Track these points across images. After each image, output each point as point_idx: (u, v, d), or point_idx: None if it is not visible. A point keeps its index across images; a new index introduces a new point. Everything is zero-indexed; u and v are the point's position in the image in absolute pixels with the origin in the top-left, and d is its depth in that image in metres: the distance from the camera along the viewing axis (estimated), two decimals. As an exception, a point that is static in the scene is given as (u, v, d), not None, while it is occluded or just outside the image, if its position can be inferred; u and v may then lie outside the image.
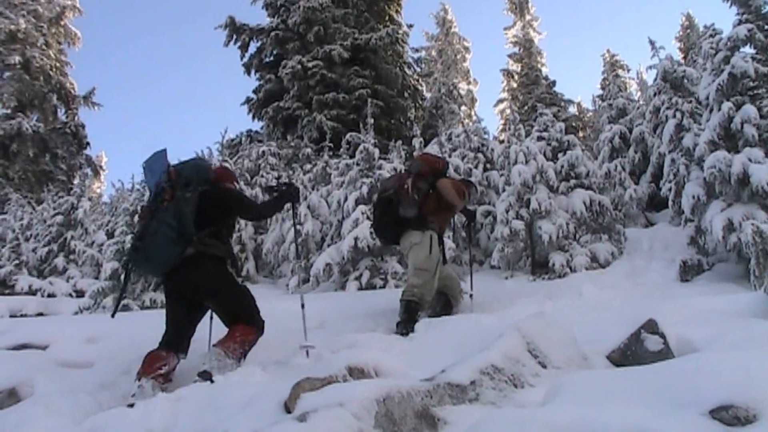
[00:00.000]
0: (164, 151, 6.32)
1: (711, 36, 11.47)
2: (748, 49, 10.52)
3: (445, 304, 8.57)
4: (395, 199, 8.50)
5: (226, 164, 16.92)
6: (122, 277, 7.55)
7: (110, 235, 17.61)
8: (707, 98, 10.54)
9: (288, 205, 6.81)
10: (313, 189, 17.62)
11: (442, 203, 8.57)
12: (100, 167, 42.51)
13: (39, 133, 36.30)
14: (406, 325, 7.49)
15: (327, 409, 2.97)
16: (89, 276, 17.12)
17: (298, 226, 7.19)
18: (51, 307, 14.63)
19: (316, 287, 13.96)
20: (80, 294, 15.77)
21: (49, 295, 15.84)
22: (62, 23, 39.70)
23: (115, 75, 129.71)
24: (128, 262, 6.21)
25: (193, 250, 5.74)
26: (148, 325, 8.27)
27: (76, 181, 26.67)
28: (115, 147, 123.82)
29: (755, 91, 10.06)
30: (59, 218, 18.91)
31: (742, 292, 7.22)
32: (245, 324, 5.77)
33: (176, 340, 5.85)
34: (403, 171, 9.23)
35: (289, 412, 3.23)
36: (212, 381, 5.02)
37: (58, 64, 39.10)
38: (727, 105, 9.86)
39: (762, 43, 10.39)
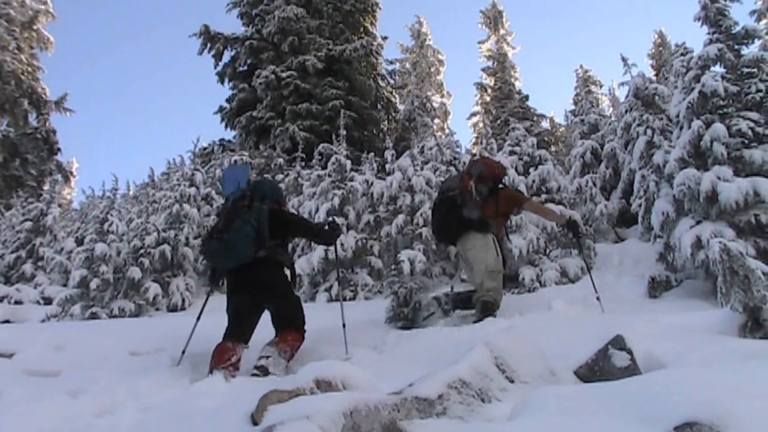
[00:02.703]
0: (248, 167, 7.40)
1: (682, 54, 11.56)
2: (719, 69, 10.63)
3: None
4: (459, 200, 8.79)
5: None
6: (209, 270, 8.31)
7: (80, 242, 17.42)
8: (678, 116, 10.64)
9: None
10: (284, 199, 17.58)
11: (500, 209, 9.02)
12: (71, 173, 42.11)
13: (9, 137, 36.05)
14: None
15: (294, 421, 2.95)
16: (57, 283, 16.93)
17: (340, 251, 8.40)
18: (18, 315, 14.47)
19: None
20: (48, 301, 15.58)
21: (17, 302, 15.64)
22: (35, 27, 39.41)
23: (88, 81, 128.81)
24: (206, 252, 7.15)
25: (264, 253, 6.59)
26: (116, 333, 8.26)
27: (46, 187, 26.33)
28: (87, 153, 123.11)
29: (725, 110, 10.15)
30: (28, 224, 18.69)
31: (709, 309, 7.27)
32: (296, 331, 6.54)
33: (240, 331, 6.54)
34: (463, 172, 9.38)
35: (255, 424, 3.22)
36: (268, 373, 5.78)
37: (30, 69, 38.79)
38: (697, 123, 9.95)
39: (732, 63, 10.50)
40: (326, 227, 7.74)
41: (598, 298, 8.49)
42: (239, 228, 6.47)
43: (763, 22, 19.04)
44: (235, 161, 20.69)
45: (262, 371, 5.81)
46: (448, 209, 8.91)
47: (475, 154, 17.45)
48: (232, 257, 6.52)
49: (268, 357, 5.98)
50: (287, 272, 7.07)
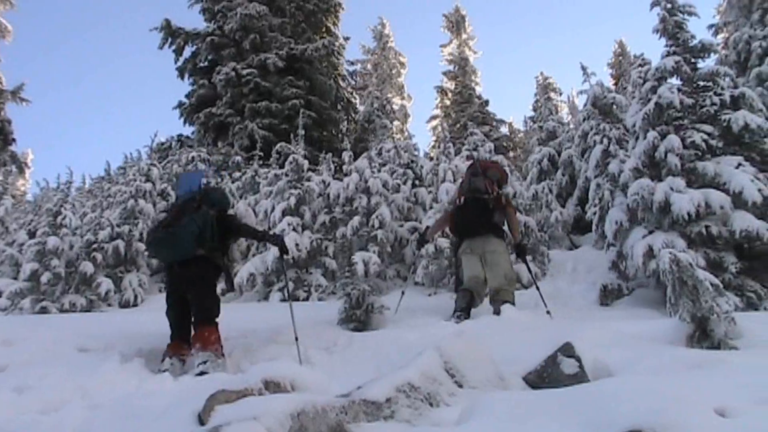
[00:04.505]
0: (203, 173, 7.58)
1: (640, 65, 11.69)
2: (675, 81, 10.76)
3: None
4: (491, 204, 9.07)
5: None
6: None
7: (32, 234, 17.17)
8: (634, 126, 10.76)
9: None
10: (241, 197, 17.51)
11: (505, 215, 9.35)
12: (26, 164, 41.33)
13: (-38, 127, 35.42)
14: None
15: (240, 422, 2.92)
16: (8, 276, 16.65)
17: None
18: (-35, 307, 14.24)
19: (239, 297, 13.86)
20: (-3, 294, 15.38)
21: (-36, 295, 15.41)
22: (-8, 16, 38.77)
23: (45, 71, 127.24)
24: (151, 242, 7.25)
25: (202, 252, 6.83)
26: (66, 329, 8.13)
27: (-1, 178, 25.94)
28: (42, 145, 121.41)
29: (680, 122, 10.27)
30: (-21, 215, 18.44)
31: (659, 318, 7.33)
32: (209, 324, 6.64)
33: (184, 334, 6.75)
34: (480, 174, 9.40)
35: (203, 424, 3.18)
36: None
37: (-15, 57, 38.14)
38: (652, 134, 10.06)
39: (688, 76, 10.63)
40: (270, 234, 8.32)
41: (548, 312, 8.53)
42: (186, 225, 6.77)
43: (720, 36, 19.35)
44: (193, 158, 20.58)
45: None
46: (481, 211, 9.08)
47: (433, 158, 17.46)
48: (176, 250, 6.80)
49: (206, 362, 6.12)
50: (221, 275, 7.33)
